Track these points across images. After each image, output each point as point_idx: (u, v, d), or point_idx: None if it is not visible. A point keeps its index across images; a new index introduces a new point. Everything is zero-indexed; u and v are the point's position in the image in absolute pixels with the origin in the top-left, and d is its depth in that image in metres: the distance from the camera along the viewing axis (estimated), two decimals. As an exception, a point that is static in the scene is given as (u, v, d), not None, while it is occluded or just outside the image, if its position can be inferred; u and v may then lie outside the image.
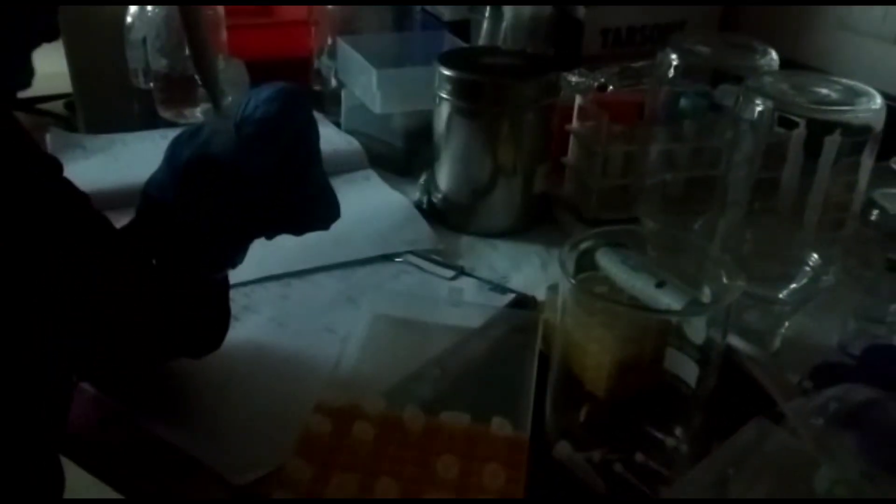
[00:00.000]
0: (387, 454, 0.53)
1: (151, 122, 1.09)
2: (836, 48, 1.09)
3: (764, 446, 0.55)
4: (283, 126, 0.53)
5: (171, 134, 1.02)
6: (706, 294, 0.58)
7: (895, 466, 0.54)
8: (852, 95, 0.63)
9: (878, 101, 0.62)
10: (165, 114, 1.10)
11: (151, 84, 1.10)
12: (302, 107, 0.54)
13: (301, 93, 0.56)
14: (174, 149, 0.55)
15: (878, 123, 0.62)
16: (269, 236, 0.58)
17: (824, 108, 0.62)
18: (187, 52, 1.08)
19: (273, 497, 0.49)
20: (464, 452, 0.53)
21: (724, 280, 0.56)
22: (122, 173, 0.91)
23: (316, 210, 0.57)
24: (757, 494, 0.53)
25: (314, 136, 0.56)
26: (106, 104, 1.15)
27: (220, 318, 0.61)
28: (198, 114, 1.09)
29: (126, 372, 0.60)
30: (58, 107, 1.17)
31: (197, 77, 1.06)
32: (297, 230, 0.58)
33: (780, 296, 0.68)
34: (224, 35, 1.11)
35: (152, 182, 0.56)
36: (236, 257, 0.59)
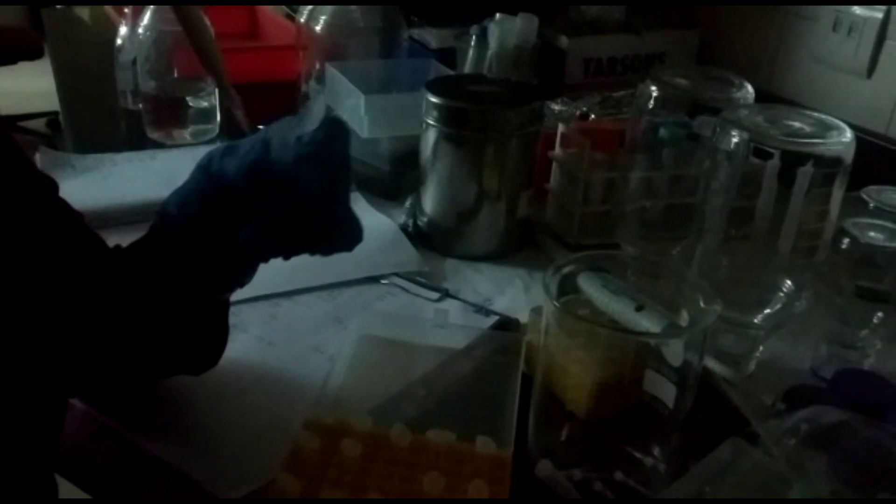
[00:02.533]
0: (374, 470, 0.54)
1: (140, 142, 1.10)
2: (810, 81, 1.13)
3: (739, 465, 0.57)
4: (335, 149, 0.54)
5: (161, 154, 1.06)
6: (684, 317, 0.60)
7: (863, 485, 0.56)
8: (824, 129, 0.65)
9: (848, 134, 0.65)
10: (154, 135, 1.11)
11: (140, 105, 1.12)
12: (347, 133, 0.57)
13: (345, 121, 0.59)
14: (212, 160, 0.55)
15: (848, 156, 0.65)
16: (292, 255, 0.58)
17: (797, 140, 0.64)
18: (175, 74, 1.11)
19: (263, 512, 0.50)
20: (449, 469, 0.54)
21: (701, 304, 0.58)
22: (112, 193, 0.92)
23: (346, 232, 0.58)
24: (732, 513, 0.54)
25: (350, 162, 0.58)
26: (94, 124, 1.16)
27: (220, 335, 0.62)
28: (186, 135, 1.11)
29: (121, 389, 0.62)
30: (40, 125, 1.18)
31: (188, 99, 1.09)
32: (326, 251, 0.59)
33: (755, 320, 0.71)
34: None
35: (175, 198, 0.56)
36: (249, 275, 0.60)
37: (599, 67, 1.20)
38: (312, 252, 0.58)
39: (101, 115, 1.18)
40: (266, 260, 0.59)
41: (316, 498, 0.51)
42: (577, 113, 1.00)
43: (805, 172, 0.66)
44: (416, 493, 0.52)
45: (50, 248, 0.51)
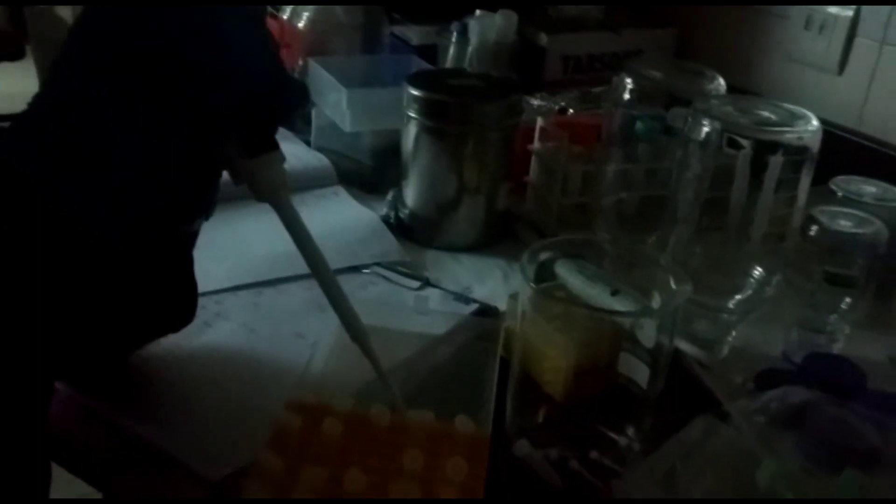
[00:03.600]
0: (355, 449, 0.55)
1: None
2: (783, 78, 1.15)
3: (709, 442, 0.59)
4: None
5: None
6: (656, 300, 0.62)
7: (830, 463, 0.58)
8: (791, 118, 0.67)
9: (815, 122, 0.67)
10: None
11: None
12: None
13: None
14: None
15: (815, 144, 0.67)
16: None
17: (767, 128, 0.67)
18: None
19: (246, 489, 0.51)
20: (428, 447, 0.55)
21: (673, 286, 0.59)
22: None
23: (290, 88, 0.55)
24: (703, 487, 0.56)
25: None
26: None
27: (189, 285, 0.61)
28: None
29: (104, 362, 0.62)
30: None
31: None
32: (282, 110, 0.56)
33: (727, 305, 0.73)
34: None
35: None
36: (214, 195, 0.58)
37: (578, 65, 1.22)
38: (270, 113, 0.56)
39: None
40: (229, 136, 0.55)
41: (297, 475, 0.52)
42: (556, 108, 1.02)
43: (776, 161, 0.68)
44: (395, 470, 0.53)
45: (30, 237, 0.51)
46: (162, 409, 0.62)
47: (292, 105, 0.55)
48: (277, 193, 0.56)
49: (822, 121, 1.08)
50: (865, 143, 1.04)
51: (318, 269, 0.60)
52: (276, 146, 0.56)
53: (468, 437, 0.57)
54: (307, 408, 0.58)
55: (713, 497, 0.55)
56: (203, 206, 0.57)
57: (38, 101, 0.50)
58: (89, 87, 0.48)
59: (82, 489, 0.62)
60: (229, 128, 0.54)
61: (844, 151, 1.03)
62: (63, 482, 0.57)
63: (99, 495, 0.81)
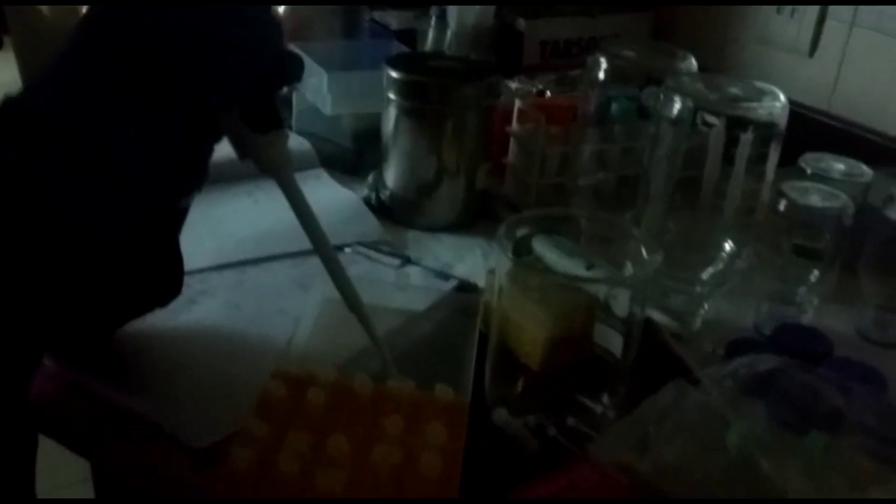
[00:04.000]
0: (338, 416, 0.57)
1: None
2: (757, 61, 1.18)
3: (681, 406, 0.61)
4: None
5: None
6: (629, 270, 0.64)
7: (796, 424, 0.60)
8: (760, 94, 0.69)
9: (782, 98, 0.69)
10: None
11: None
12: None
13: None
14: None
15: (783, 120, 0.69)
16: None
17: (737, 104, 0.69)
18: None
19: (232, 454, 0.53)
20: (409, 414, 0.57)
21: (644, 255, 0.61)
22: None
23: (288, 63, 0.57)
24: (675, 449, 0.58)
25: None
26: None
27: (175, 259, 0.62)
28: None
29: (93, 334, 0.63)
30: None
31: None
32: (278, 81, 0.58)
33: (700, 278, 0.75)
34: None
35: None
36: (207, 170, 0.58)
37: (556, 49, 1.24)
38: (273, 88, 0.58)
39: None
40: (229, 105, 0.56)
41: (282, 440, 0.54)
42: (534, 90, 1.04)
43: (747, 137, 0.70)
44: (377, 436, 0.55)
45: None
46: (148, 383, 0.63)
47: (293, 78, 0.57)
48: (283, 169, 0.58)
49: (794, 102, 1.11)
50: (835, 123, 1.07)
51: (318, 241, 0.62)
52: (282, 124, 0.57)
53: (448, 405, 0.59)
54: (292, 378, 0.60)
55: (685, 458, 0.57)
56: (197, 182, 0.58)
57: (33, 98, 0.49)
58: (85, 83, 0.48)
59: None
60: (231, 114, 0.56)
61: (815, 131, 1.06)
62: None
63: (92, 495, 0.83)
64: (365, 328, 0.62)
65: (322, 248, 0.63)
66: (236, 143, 0.57)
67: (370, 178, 0.97)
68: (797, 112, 1.09)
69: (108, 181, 0.49)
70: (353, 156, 1.02)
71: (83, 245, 0.50)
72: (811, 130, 1.06)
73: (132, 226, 0.52)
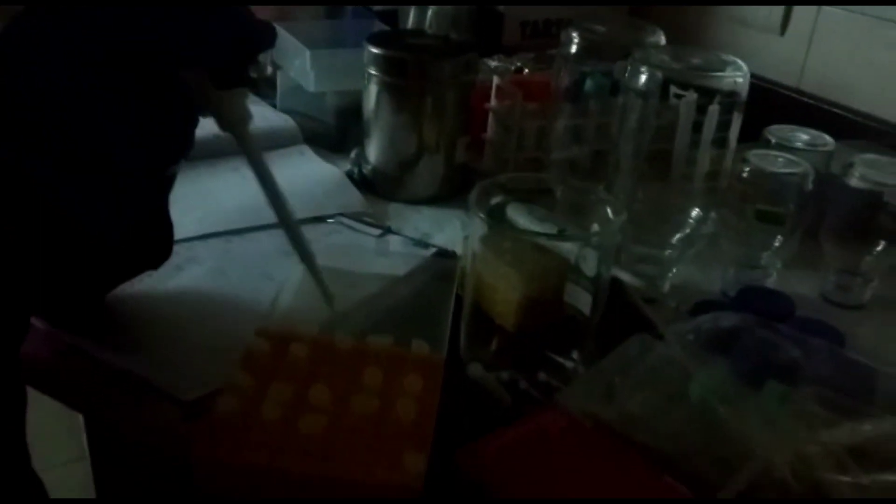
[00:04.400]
0: (319, 369, 0.60)
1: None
2: (730, 39, 1.21)
3: (646, 359, 0.64)
4: None
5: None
6: (596, 229, 0.67)
7: (754, 376, 0.63)
8: (722, 64, 0.72)
9: (744, 68, 0.72)
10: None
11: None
12: None
13: None
14: None
15: (745, 89, 0.72)
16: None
17: (700, 74, 0.72)
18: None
19: (218, 403, 0.56)
20: (387, 367, 0.60)
21: (610, 216, 0.64)
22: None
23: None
24: (639, 400, 0.61)
25: None
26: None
27: (166, 224, 0.64)
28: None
29: (86, 296, 0.66)
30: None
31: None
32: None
33: (669, 241, 0.78)
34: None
35: None
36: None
37: (536, 30, 1.27)
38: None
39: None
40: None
41: (266, 390, 0.57)
42: (513, 68, 1.07)
43: (714, 109, 0.73)
44: (357, 387, 0.58)
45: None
46: (139, 343, 0.66)
47: (265, 44, 0.58)
48: (241, 125, 0.60)
49: (766, 79, 1.14)
50: (805, 99, 1.10)
51: (273, 194, 0.64)
52: (245, 81, 0.60)
53: (424, 359, 0.62)
54: (276, 335, 0.63)
55: (648, 407, 0.61)
56: (185, 150, 0.59)
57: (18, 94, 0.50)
58: (82, 83, 0.49)
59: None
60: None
61: (786, 107, 1.09)
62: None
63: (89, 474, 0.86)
64: (309, 267, 0.66)
65: (277, 201, 0.65)
66: (198, 99, 0.60)
67: (353, 154, 0.99)
68: (769, 88, 1.13)
69: (108, 182, 0.51)
70: (337, 132, 1.05)
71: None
72: (782, 106, 1.09)
73: (132, 225, 0.53)
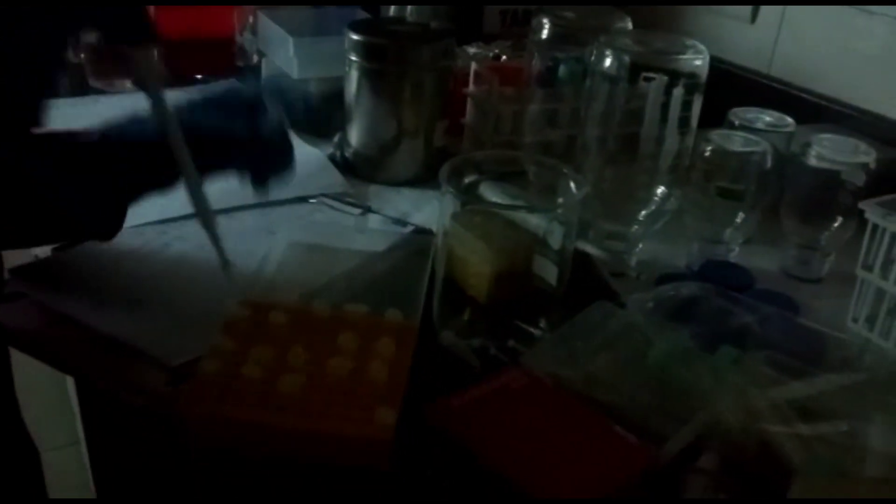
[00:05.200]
0: (298, 334, 0.63)
1: (82, 94, 1.16)
2: (702, 27, 1.24)
3: (607, 324, 0.68)
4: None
5: (104, 98, 1.12)
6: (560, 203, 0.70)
7: (712, 343, 0.67)
8: (684, 47, 0.76)
9: (703, 49, 0.75)
10: (96, 83, 1.18)
11: (82, 56, 1.18)
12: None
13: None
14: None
15: (704, 70, 0.75)
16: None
17: (662, 56, 0.75)
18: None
19: (201, 365, 0.59)
20: (362, 332, 0.64)
21: (573, 190, 0.68)
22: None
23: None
24: (599, 363, 0.65)
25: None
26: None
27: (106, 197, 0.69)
28: (128, 84, 1.18)
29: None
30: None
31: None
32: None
33: (636, 218, 0.81)
34: (152, 15, 1.20)
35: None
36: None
37: (515, 18, 1.30)
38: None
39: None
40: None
41: (247, 353, 0.60)
42: (490, 55, 1.10)
43: (679, 91, 0.76)
44: (333, 350, 0.61)
45: None
46: (127, 314, 0.69)
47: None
48: (149, 79, 0.65)
49: (737, 65, 1.18)
50: (775, 84, 1.14)
51: (176, 147, 0.67)
52: (151, 38, 0.65)
53: (397, 325, 0.66)
54: (256, 304, 0.66)
55: (609, 370, 0.64)
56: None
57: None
58: None
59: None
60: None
61: (756, 92, 1.13)
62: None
63: (85, 458, 0.89)
64: (207, 229, 0.69)
65: (179, 154, 0.68)
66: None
67: (336, 138, 1.03)
68: (740, 74, 1.17)
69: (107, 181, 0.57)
70: (320, 117, 1.08)
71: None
72: (753, 91, 1.13)
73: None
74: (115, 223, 0.70)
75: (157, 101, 0.66)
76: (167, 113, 0.66)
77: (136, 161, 0.67)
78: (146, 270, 0.75)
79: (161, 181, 0.70)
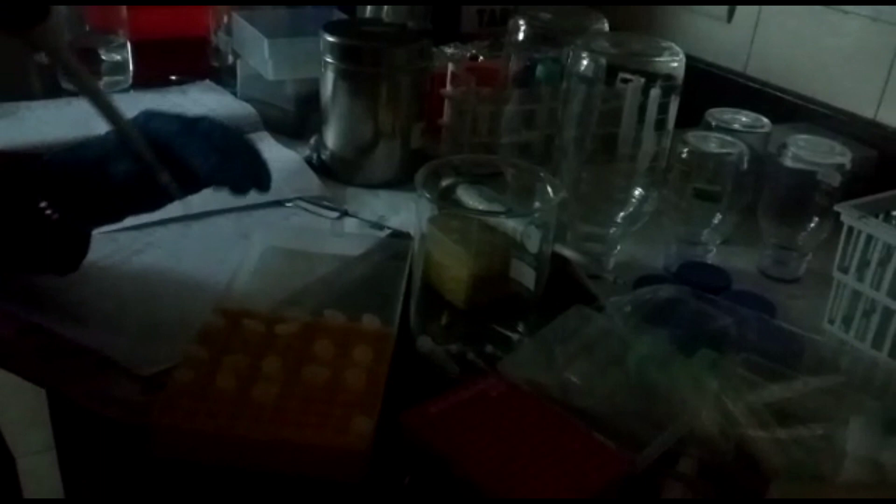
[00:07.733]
0: (273, 342, 0.62)
1: (54, 95, 1.15)
2: (680, 27, 1.24)
3: (585, 329, 0.67)
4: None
5: (76, 101, 1.11)
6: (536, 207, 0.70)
7: (689, 346, 0.67)
8: (660, 49, 0.76)
9: (679, 52, 0.75)
10: (68, 85, 1.16)
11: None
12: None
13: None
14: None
15: (681, 72, 0.75)
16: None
17: (639, 59, 0.75)
18: (87, 28, 1.17)
19: (175, 375, 0.58)
20: (338, 340, 0.63)
21: (550, 194, 0.67)
22: (28, 134, 0.98)
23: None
24: (577, 368, 0.64)
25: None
26: (8, 77, 1.20)
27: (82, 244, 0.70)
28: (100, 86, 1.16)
29: None
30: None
31: (101, 52, 1.14)
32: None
33: (613, 220, 0.81)
34: (125, 15, 1.19)
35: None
36: None
37: (493, 18, 1.30)
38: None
39: (14, 69, 1.22)
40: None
41: (221, 362, 0.59)
42: (468, 55, 1.10)
43: (656, 93, 0.76)
44: (309, 358, 0.61)
45: None
46: (99, 322, 0.68)
47: None
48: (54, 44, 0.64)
49: (715, 65, 1.18)
50: (752, 84, 1.14)
51: (88, 89, 0.66)
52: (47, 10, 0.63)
53: (374, 332, 0.65)
54: (231, 312, 0.65)
55: (587, 375, 0.64)
56: None
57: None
58: None
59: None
60: None
61: (732, 91, 1.13)
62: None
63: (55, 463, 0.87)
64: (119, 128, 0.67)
65: (94, 95, 0.67)
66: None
67: (312, 140, 1.02)
68: (717, 74, 1.17)
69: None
70: (296, 119, 1.07)
71: None
72: (729, 91, 1.13)
73: None
74: (70, 261, 0.70)
75: (68, 63, 0.65)
76: (78, 67, 0.65)
77: (79, 193, 0.67)
78: (118, 277, 0.74)
79: (109, 214, 0.70)
